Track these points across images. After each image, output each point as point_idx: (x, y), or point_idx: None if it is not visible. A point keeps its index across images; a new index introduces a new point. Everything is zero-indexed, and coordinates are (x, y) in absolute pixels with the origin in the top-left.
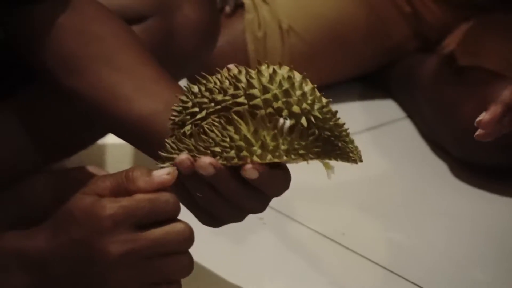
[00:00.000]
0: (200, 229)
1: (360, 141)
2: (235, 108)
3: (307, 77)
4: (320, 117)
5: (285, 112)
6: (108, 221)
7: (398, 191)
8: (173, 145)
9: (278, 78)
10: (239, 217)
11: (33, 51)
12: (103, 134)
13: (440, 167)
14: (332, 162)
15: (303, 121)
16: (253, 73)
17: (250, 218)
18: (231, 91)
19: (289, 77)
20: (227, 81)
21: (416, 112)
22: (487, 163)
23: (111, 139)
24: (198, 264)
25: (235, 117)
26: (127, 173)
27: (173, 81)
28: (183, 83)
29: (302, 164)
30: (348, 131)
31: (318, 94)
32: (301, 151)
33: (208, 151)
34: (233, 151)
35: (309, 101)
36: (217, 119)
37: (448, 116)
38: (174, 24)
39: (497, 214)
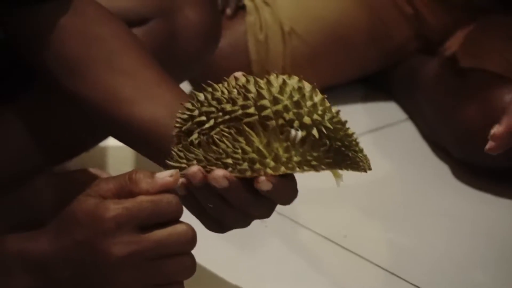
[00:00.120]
0: (202, 231)
1: (362, 143)
2: (246, 119)
3: (309, 79)
4: (331, 127)
5: (296, 123)
6: (111, 222)
7: (399, 193)
8: (181, 154)
9: (288, 89)
10: (245, 224)
11: (34, 52)
12: (105, 136)
13: (441, 169)
14: (341, 170)
15: (315, 132)
16: (262, 83)
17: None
18: (240, 101)
19: (299, 88)
20: (235, 90)
21: (418, 114)
22: (489, 164)
23: (113, 141)
24: (200, 266)
25: (247, 128)
26: (130, 175)
27: (175, 84)
28: (185, 85)
29: None
30: (357, 140)
31: (328, 104)
32: (314, 163)
33: (219, 162)
34: (246, 164)
35: (319, 112)
36: (227, 130)
37: (449, 118)
38: (176, 26)
39: (498, 216)
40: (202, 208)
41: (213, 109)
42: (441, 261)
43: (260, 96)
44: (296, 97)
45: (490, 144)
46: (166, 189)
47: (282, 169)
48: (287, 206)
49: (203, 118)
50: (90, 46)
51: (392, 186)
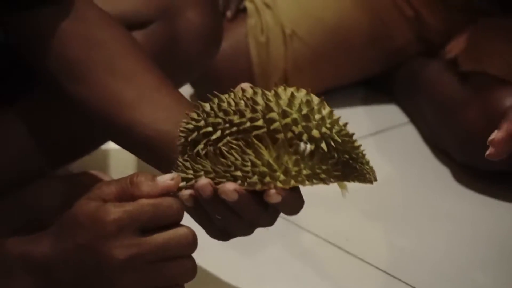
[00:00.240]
0: (204, 235)
1: (363, 146)
2: (255, 132)
3: (310, 81)
4: (339, 140)
5: (305, 137)
6: (113, 225)
7: (401, 196)
8: (187, 164)
9: (297, 102)
10: (249, 232)
11: (35, 55)
12: (106, 138)
13: (442, 172)
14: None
15: (323, 145)
16: (270, 95)
17: None
18: (248, 113)
19: (308, 101)
20: (242, 102)
21: (419, 116)
22: (490, 167)
23: (114, 144)
24: (201, 269)
25: (256, 141)
26: (131, 178)
27: (175, 89)
28: (186, 88)
29: None
30: (364, 151)
31: (335, 117)
32: (322, 175)
33: (228, 175)
34: (255, 177)
35: (328, 125)
36: (235, 142)
37: (451, 121)
38: (178, 29)
39: (499, 219)
40: (209, 218)
41: (219, 120)
42: (442, 264)
43: (268, 108)
44: (305, 110)
45: (490, 150)
46: (167, 192)
47: (292, 182)
48: None
49: (210, 129)
50: (90, 50)
51: (394, 189)
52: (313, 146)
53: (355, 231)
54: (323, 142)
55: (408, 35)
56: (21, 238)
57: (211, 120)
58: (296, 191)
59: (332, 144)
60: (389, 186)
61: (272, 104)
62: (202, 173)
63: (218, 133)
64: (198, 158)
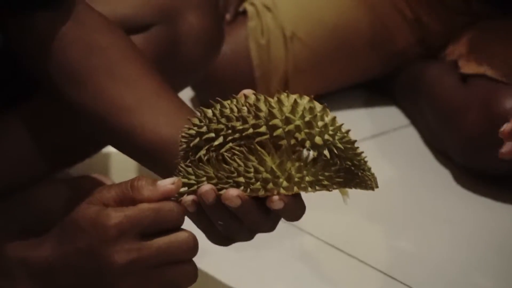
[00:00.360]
0: (204, 238)
1: (364, 148)
2: (258, 139)
3: (311, 83)
4: (342, 147)
5: (308, 143)
6: (113, 230)
7: (401, 198)
8: (189, 170)
9: (300, 109)
10: (250, 237)
11: (34, 59)
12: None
13: (443, 175)
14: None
15: (326, 152)
16: (273, 102)
17: None
18: (251, 120)
19: (311, 108)
20: (245, 108)
21: (420, 119)
22: (491, 170)
23: None
24: (202, 272)
25: (259, 147)
26: (132, 182)
27: (175, 94)
28: (187, 91)
29: None
30: (365, 159)
31: (338, 124)
32: (325, 182)
33: (231, 181)
34: (258, 183)
35: (330, 132)
36: (237, 148)
37: (451, 123)
38: (178, 32)
39: (500, 221)
40: (211, 224)
41: (222, 126)
42: (443, 266)
43: (271, 115)
44: (308, 117)
45: (504, 148)
46: (168, 197)
47: (295, 189)
48: None
49: (212, 135)
50: (90, 55)
51: (394, 192)
52: (315, 153)
53: (356, 233)
54: (326, 149)
55: (409, 37)
56: (22, 242)
57: (213, 126)
58: (298, 197)
59: (335, 151)
60: (390, 188)
61: (275, 111)
62: (204, 178)
63: (221, 139)
64: (200, 164)
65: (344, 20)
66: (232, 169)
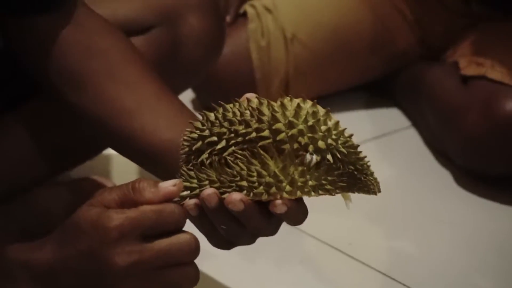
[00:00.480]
0: (205, 240)
1: (366, 150)
2: (261, 143)
3: (311, 85)
4: (345, 152)
5: (311, 148)
6: (115, 232)
7: (403, 199)
8: (191, 173)
9: (303, 113)
10: (252, 241)
11: (35, 62)
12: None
13: (444, 176)
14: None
15: (329, 157)
16: (276, 106)
17: None
18: (254, 123)
19: (314, 112)
20: (248, 112)
21: (421, 121)
22: (491, 172)
23: None
24: (203, 274)
25: (262, 152)
26: (133, 184)
27: (176, 98)
28: (188, 92)
29: None
30: (368, 163)
31: (341, 128)
32: (328, 187)
33: (234, 185)
34: (261, 187)
35: (334, 137)
36: (240, 152)
37: (452, 125)
38: (179, 34)
39: (500, 223)
40: (213, 228)
41: (224, 130)
42: (444, 267)
43: (274, 119)
44: (311, 121)
45: None
46: (169, 199)
47: (298, 193)
48: None
49: (215, 138)
50: (90, 58)
51: (396, 193)
52: (319, 157)
53: (358, 235)
54: (329, 153)
55: (410, 39)
56: (23, 244)
57: (216, 129)
58: (300, 201)
59: (338, 155)
60: (391, 189)
61: (278, 115)
62: (206, 182)
63: (223, 143)
64: (203, 167)
65: (345, 21)
66: (235, 173)
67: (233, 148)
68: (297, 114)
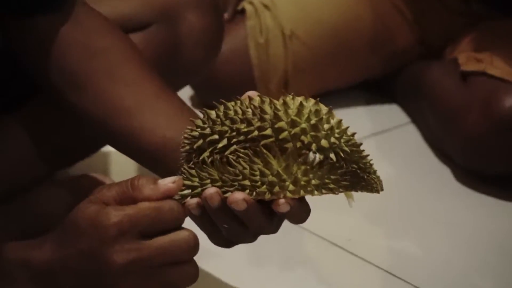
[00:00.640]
0: (203, 236)
1: (365, 147)
2: (263, 141)
3: (310, 83)
4: (348, 151)
5: (314, 147)
6: (113, 229)
7: (402, 196)
8: (192, 172)
9: (305, 112)
10: (253, 240)
11: (34, 62)
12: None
13: (443, 173)
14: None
15: (332, 155)
16: (278, 104)
17: None
18: (256, 122)
19: (317, 111)
20: (250, 110)
21: (421, 119)
22: (492, 171)
23: None
24: (203, 271)
25: (264, 150)
26: (132, 181)
27: (175, 95)
28: (186, 89)
29: None
30: (371, 161)
31: (343, 127)
32: (331, 185)
33: (236, 184)
34: (264, 186)
35: (336, 135)
36: (242, 151)
37: (452, 124)
38: (178, 31)
39: (501, 220)
40: (215, 226)
41: (226, 128)
42: (444, 264)
43: (277, 118)
44: (314, 120)
45: None
46: (169, 196)
47: (302, 192)
48: None
49: (216, 137)
50: (90, 58)
51: (395, 190)
52: (322, 156)
53: (357, 232)
54: (332, 152)
55: (409, 38)
56: (22, 243)
57: (217, 128)
58: (303, 200)
59: (341, 154)
60: (391, 186)
61: (281, 114)
62: (208, 181)
63: (225, 141)
64: (204, 166)
65: (344, 19)
66: (237, 172)
67: (235, 146)
68: (300, 112)
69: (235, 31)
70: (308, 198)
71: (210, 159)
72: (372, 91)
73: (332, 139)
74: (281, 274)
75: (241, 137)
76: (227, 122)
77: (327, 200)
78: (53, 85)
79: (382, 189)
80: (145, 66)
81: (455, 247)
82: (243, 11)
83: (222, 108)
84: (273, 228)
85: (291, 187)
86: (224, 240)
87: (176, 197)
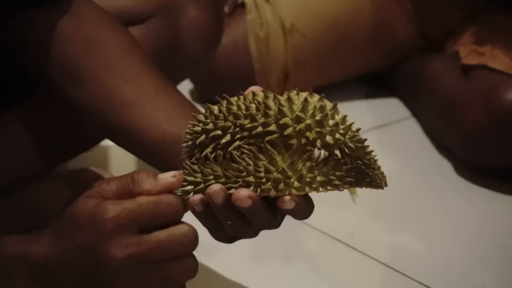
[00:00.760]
0: (203, 230)
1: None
2: (268, 138)
3: (311, 76)
4: (353, 147)
5: (318, 143)
6: (111, 223)
7: (403, 190)
8: (195, 167)
9: (310, 107)
10: (255, 235)
11: (33, 57)
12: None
13: (444, 166)
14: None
15: (337, 152)
16: (282, 100)
17: None
18: (260, 118)
19: (322, 107)
20: (253, 106)
21: (421, 113)
22: (493, 165)
23: None
24: (203, 266)
25: (269, 147)
26: (132, 175)
27: (176, 90)
28: (186, 83)
29: None
30: (375, 157)
31: (348, 123)
32: (336, 182)
33: (240, 180)
34: (269, 183)
35: (341, 131)
36: (246, 147)
37: (453, 118)
38: (177, 24)
39: (502, 213)
40: (218, 223)
41: (229, 124)
42: (446, 258)
43: (281, 114)
44: (319, 116)
45: None
46: (169, 190)
47: (307, 189)
48: None
49: (219, 132)
50: (89, 51)
51: (396, 184)
52: (327, 153)
53: (359, 227)
54: (337, 148)
55: (409, 31)
56: (19, 237)
57: (220, 123)
58: (307, 196)
59: (346, 150)
60: (391, 180)
61: (285, 109)
62: (211, 177)
63: (228, 137)
64: (207, 162)
65: (344, 12)
66: (241, 168)
67: (238, 142)
68: (305, 108)
69: (235, 24)
70: (311, 193)
71: (213, 155)
72: (372, 84)
73: (337, 135)
74: (282, 269)
75: (245, 133)
76: (230, 118)
77: (328, 195)
78: (52, 80)
79: (386, 185)
80: (145, 59)
81: (456, 241)
82: (243, 5)
83: (224, 103)
84: (276, 223)
85: (296, 184)
86: (226, 235)
87: (178, 193)
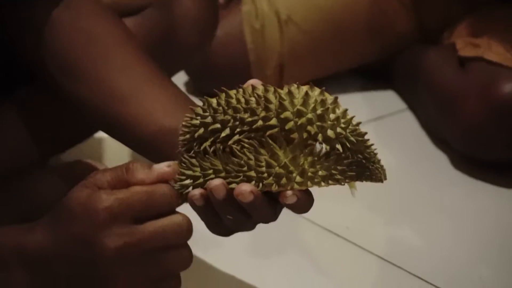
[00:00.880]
0: (198, 222)
1: None
2: (269, 132)
3: (307, 68)
4: (354, 141)
5: (320, 137)
6: (104, 213)
7: (399, 183)
8: (193, 161)
9: (311, 101)
10: (252, 228)
11: (28, 48)
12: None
13: (441, 159)
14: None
15: (338, 146)
16: (283, 93)
17: None
18: (260, 112)
19: (323, 101)
20: (253, 99)
21: (418, 106)
22: (490, 158)
23: None
24: (198, 259)
25: (270, 141)
26: (127, 165)
27: (171, 82)
28: (181, 75)
29: None
30: (375, 151)
31: (349, 117)
32: (338, 176)
33: (241, 175)
34: (271, 178)
35: (342, 125)
36: (247, 141)
37: (450, 111)
38: (172, 15)
39: (499, 206)
40: (217, 217)
41: (229, 117)
42: (443, 251)
43: (282, 107)
44: (320, 110)
45: None
46: (163, 180)
47: (309, 183)
48: None
49: (218, 126)
50: (83, 43)
51: (393, 177)
52: (328, 147)
53: (356, 220)
54: (338, 142)
55: (406, 23)
56: (14, 227)
57: (219, 117)
58: (308, 191)
59: (347, 144)
60: (388, 173)
61: (286, 103)
62: (211, 171)
63: (228, 131)
64: (206, 156)
65: (340, 3)
66: (242, 162)
67: (238, 136)
68: (306, 102)
69: (230, 16)
70: (311, 188)
71: (212, 149)
72: (369, 76)
73: (339, 130)
74: (279, 263)
75: (245, 127)
76: (230, 111)
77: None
78: (47, 71)
79: (385, 178)
80: (139, 50)
81: (453, 234)
82: None
83: (223, 96)
84: (274, 217)
85: (298, 178)
86: (224, 229)
87: (176, 187)
